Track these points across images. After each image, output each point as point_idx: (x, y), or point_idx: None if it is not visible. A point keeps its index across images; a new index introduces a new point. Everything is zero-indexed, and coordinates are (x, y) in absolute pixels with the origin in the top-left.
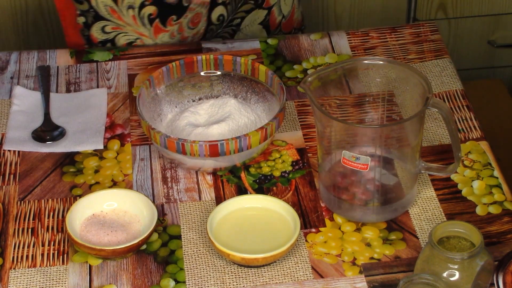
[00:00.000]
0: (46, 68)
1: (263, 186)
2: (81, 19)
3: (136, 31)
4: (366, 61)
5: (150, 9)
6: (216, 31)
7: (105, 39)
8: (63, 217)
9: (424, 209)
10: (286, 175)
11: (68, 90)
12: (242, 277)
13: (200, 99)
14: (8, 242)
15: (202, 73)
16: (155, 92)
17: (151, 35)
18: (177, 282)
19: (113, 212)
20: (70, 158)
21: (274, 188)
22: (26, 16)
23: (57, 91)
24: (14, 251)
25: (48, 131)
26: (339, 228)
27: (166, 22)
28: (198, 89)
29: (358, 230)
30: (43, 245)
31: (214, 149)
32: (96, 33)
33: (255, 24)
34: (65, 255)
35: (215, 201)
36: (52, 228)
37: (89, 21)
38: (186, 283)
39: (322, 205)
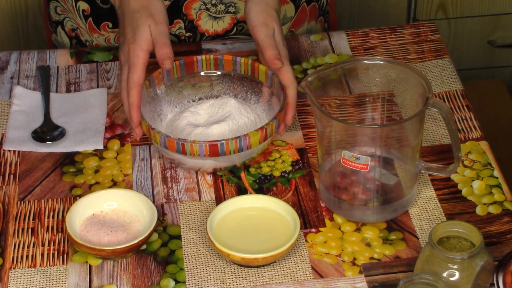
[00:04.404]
0: (46, 68)
1: (263, 186)
2: None
3: (76, 20)
4: (366, 61)
5: (83, 5)
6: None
7: (56, 20)
8: (63, 217)
9: (424, 209)
10: (286, 175)
11: (68, 90)
12: (242, 277)
13: (200, 99)
14: (8, 242)
15: (202, 73)
16: (155, 92)
17: (87, 31)
18: (177, 282)
19: (113, 212)
20: (70, 158)
21: (274, 188)
22: (27, 18)
23: (57, 91)
24: (14, 251)
25: (48, 131)
26: (339, 228)
27: (100, 25)
28: (198, 89)
29: (358, 230)
30: (43, 245)
31: (214, 149)
32: (52, 11)
33: None
34: (65, 255)
35: (215, 201)
36: (52, 228)
37: None
38: (186, 283)
39: (322, 205)
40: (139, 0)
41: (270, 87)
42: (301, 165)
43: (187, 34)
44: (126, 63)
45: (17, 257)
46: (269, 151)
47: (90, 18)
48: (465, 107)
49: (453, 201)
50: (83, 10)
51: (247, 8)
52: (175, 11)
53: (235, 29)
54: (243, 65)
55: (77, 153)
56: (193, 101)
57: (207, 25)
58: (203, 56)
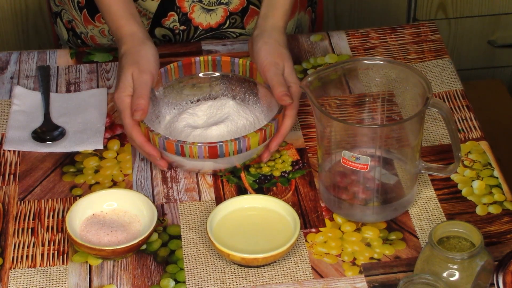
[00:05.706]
0: (46, 68)
1: (263, 186)
2: None
3: (71, 12)
4: (366, 61)
5: None
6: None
7: (55, 11)
8: (63, 217)
9: (424, 209)
10: (286, 175)
11: (68, 90)
12: (242, 277)
13: (198, 100)
14: (8, 242)
15: (200, 75)
16: (153, 93)
17: (82, 22)
18: (177, 282)
19: (113, 212)
20: (70, 158)
21: (274, 188)
22: (27, 18)
23: (57, 91)
24: (14, 251)
25: (48, 131)
26: (339, 228)
27: (94, 16)
28: (196, 91)
29: (358, 230)
30: (43, 245)
31: (213, 151)
32: (52, 2)
33: None
34: (65, 255)
35: (215, 201)
36: (52, 228)
37: None
38: (186, 283)
39: (322, 205)
40: (132, 41)
41: (268, 88)
42: (301, 165)
43: (181, 28)
44: (118, 111)
45: (17, 257)
46: None
47: (85, 10)
48: (465, 107)
49: (453, 201)
50: (78, 2)
51: (258, 47)
52: (168, 4)
53: (228, 22)
54: (241, 66)
55: (77, 153)
56: (192, 102)
57: (200, 18)
58: (201, 58)
